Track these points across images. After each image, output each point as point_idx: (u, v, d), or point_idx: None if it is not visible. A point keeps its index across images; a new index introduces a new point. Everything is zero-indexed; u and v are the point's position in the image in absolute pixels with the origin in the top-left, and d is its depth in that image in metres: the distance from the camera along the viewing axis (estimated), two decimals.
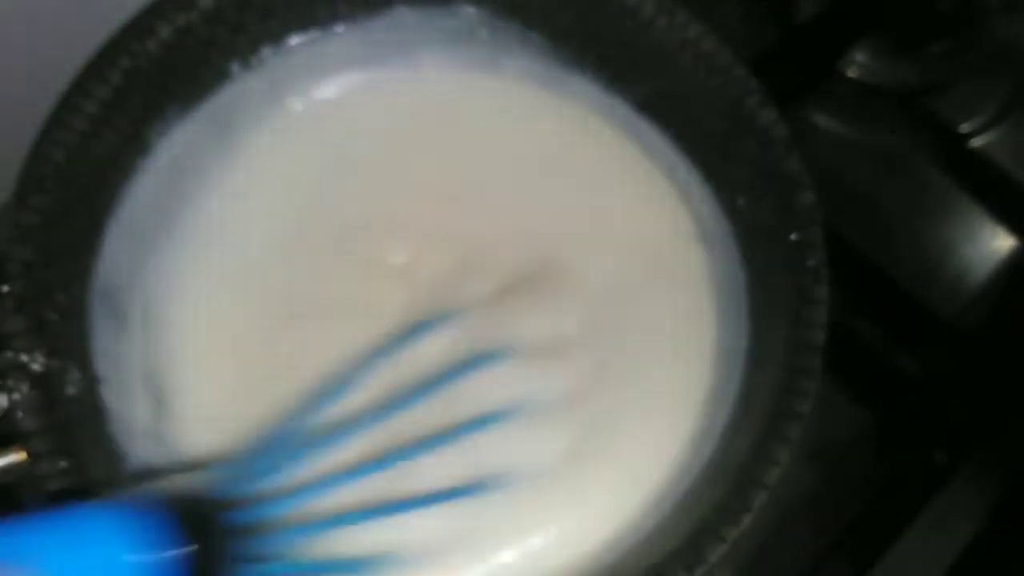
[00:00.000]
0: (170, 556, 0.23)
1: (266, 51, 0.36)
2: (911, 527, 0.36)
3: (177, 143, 0.35)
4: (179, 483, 0.27)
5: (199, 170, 0.36)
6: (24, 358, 0.29)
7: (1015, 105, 0.46)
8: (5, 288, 0.29)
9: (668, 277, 0.36)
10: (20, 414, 0.28)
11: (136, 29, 0.33)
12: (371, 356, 0.31)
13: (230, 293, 0.34)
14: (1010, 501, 0.36)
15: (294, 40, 0.36)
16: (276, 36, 0.36)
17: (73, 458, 0.28)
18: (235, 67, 0.36)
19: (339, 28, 0.37)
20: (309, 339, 0.33)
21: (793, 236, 0.31)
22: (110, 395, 0.31)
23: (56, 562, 0.22)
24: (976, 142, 0.46)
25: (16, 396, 0.28)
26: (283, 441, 0.28)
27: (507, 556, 0.31)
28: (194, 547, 0.23)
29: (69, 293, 0.31)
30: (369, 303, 0.34)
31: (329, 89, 0.38)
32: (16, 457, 0.30)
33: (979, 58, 0.47)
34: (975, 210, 0.45)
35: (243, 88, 0.36)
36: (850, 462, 0.39)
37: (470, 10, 0.36)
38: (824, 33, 0.47)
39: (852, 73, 0.47)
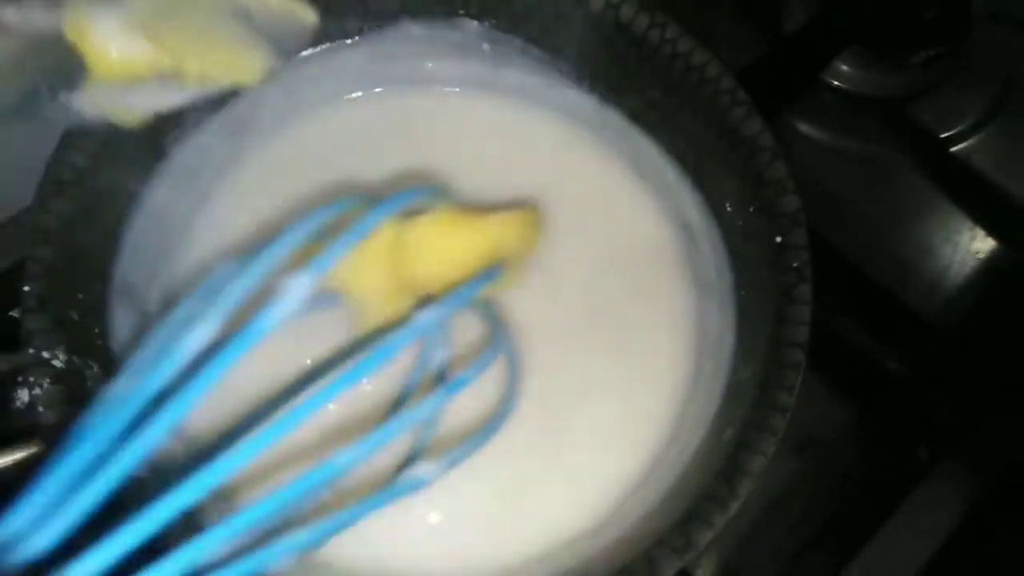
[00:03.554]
0: None
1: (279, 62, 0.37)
2: (892, 518, 0.36)
3: (193, 149, 0.36)
4: None
5: (213, 173, 0.37)
6: (46, 355, 0.29)
7: (995, 112, 0.47)
8: (27, 288, 0.30)
9: (655, 278, 0.37)
10: (41, 408, 0.29)
11: None
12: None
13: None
14: (988, 494, 0.37)
15: (306, 52, 0.37)
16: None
17: None
18: None
19: (348, 41, 0.38)
20: (316, 331, 0.34)
21: (778, 239, 0.32)
22: None
23: None
24: (957, 148, 0.47)
25: (37, 391, 0.29)
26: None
27: (498, 537, 0.32)
28: None
29: (90, 292, 0.32)
30: None
31: (338, 97, 0.40)
32: (36, 451, 0.31)
33: (961, 67, 0.48)
34: (955, 213, 0.46)
35: (257, 97, 0.37)
36: (834, 455, 0.40)
37: (473, 25, 0.38)
38: (809, 45, 0.48)
39: (837, 83, 0.48)
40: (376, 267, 0.30)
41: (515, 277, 0.33)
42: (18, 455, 0.32)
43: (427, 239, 0.31)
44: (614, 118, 0.38)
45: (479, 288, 0.31)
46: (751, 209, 0.34)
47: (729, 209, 0.35)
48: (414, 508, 0.32)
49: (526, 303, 0.35)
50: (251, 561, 0.25)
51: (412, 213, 0.31)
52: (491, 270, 0.31)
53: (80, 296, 0.31)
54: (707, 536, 0.28)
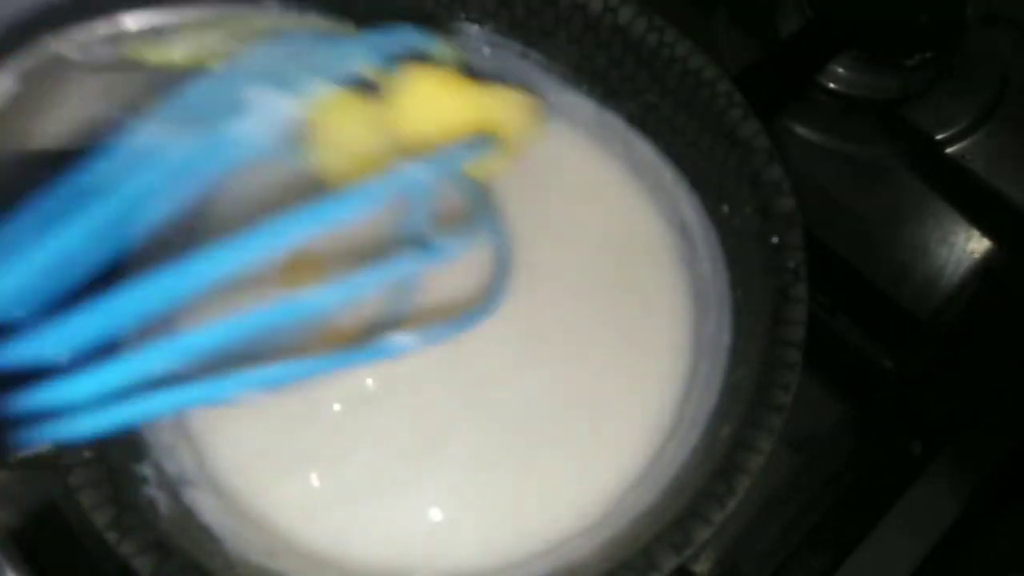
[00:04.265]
0: None
1: None
2: (888, 514, 0.37)
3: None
4: None
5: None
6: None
7: (990, 114, 0.48)
8: None
9: (652, 277, 0.37)
10: None
11: None
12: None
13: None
14: (983, 491, 0.38)
15: None
16: None
17: (97, 447, 0.29)
18: None
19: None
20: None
21: (774, 239, 0.32)
22: None
23: None
24: (952, 149, 0.47)
25: None
26: None
27: (499, 534, 0.33)
28: None
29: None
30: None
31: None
32: (45, 450, 0.31)
33: (956, 69, 0.48)
34: (950, 214, 0.46)
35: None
36: (829, 452, 0.40)
37: (473, 28, 0.38)
38: (805, 48, 0.48)
39: (832, 85, 0.48)
40: (355, 116, 0.27)
41: (505, 162, 0.30)
42: (27, 453, 0.32)
43: (417, 93, 0.27)
44: (612, 120, 0.39)
45: (471, 154, 0.27)
46: (748, 210, 0.34)
47: (726, 210, 0.35)
48: (416, 505, 0.33)
49: (524, 303, 0.35)
50: (195, 388, 0.23)
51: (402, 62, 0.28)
52: (483, 139, 0.28)
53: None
54: (705, 533, 0.28)
